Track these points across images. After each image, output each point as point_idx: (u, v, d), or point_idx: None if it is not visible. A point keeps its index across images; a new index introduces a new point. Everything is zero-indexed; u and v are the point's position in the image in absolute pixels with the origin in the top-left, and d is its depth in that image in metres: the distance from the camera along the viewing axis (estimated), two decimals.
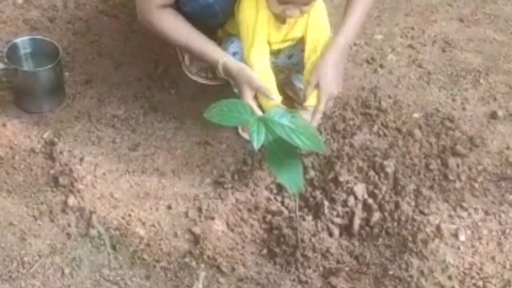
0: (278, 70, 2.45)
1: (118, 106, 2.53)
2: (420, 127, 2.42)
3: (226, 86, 2.56)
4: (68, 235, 2.10)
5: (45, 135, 2.39)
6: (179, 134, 2.45)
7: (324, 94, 2.27)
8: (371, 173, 2.25)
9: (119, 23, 2.86)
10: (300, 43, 2.40)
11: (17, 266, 2.01)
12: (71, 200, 2.18)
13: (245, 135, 2.42)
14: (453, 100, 2.57)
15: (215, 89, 2.57)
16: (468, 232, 2.16)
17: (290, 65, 2.49)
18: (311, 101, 2.30)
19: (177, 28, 2.33)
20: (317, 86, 2.28)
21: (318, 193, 2.22)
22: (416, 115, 2.49)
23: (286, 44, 2.41)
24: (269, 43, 2.35)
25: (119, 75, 2.65)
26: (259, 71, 2.28)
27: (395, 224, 2.15)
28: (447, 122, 2.44)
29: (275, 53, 2.43)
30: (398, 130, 2.41)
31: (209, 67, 2.58)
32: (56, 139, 2.37)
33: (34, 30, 2.80)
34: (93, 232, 2.11)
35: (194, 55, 2.43)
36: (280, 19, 2.30)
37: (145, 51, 2.74)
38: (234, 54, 2.38)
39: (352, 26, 2.33)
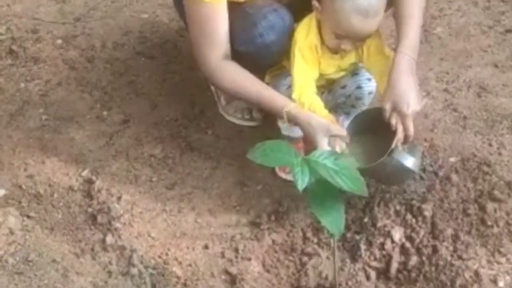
0: (336, 104, 2.46)
1: (155, 146, 2.56)
2: (457, 172, 2.41)
3: (262, 126, 2.59)
4: (110, 273, 2.11)
5: (83, 173, 2.42)
6: (216, 174, 2.46)
7: (406, 116, 2.12)
8: (408, 216, 2.24)
9: (156, 64, 2.91)
10: (353, 68, 2.42)
11: None
12: (109, 238, 2.20)
13: (282, 174, 2.43)
14: (490, 145, 2.56)
15: (251, 130, 2.60)
16: (507, 278, 2.13)
17: (344, 97, 2.47)
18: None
19: (240, 80, 2.25)
20: (395, 110, 2.14)
21: (355, 235, 2.21)
22: (452, 159, 2.47)
23: (341, 74, 2.41)
24: (323, 75, 2.35)
25: (156, 115, 2.68)
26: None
27: (433, 268, 2.13)
28: (484, 167, 2.43)
29: (328, 87, 2.45)
30: (435, 174, 2.40)
31: (246, 108, 2.61)
32: (94, 178, 2.40)
33: (73, 70, 2.85)
34: (133, 270, 2.11)
35: (258, 105, 2.33)
36: (333, 49, 2.29)
37: (182, 92, 2.77)
38: (288, 87, 2.33)
39: (409, 39, 2.20)
